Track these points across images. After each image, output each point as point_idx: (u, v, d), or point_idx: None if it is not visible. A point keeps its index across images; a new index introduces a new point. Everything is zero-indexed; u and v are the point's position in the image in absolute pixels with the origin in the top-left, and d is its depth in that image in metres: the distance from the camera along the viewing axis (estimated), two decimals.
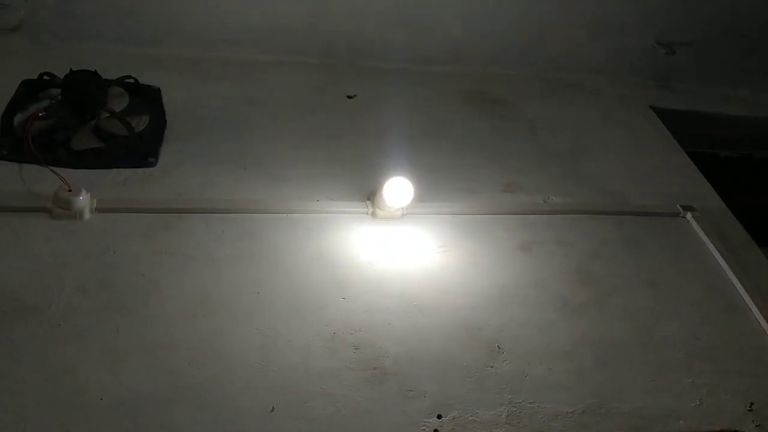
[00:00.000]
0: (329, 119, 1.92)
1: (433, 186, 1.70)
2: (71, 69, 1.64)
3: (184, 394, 1.14)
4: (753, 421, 1.29)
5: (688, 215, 1.77)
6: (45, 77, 1.70)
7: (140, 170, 1.59)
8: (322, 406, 1.17)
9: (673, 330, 1.45)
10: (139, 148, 1.61)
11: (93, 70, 1.65)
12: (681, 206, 1.79)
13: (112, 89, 1.70)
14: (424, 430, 1.17)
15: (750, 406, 1.31)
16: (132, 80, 1.76)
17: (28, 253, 1.34)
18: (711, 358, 1.40)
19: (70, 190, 1.41)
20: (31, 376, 1.13)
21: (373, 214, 1.58)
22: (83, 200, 1.42)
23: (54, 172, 1.44)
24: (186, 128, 1.75)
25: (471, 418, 1.20)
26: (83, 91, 1.61)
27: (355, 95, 2.04)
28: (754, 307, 1.52)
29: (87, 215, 1.43)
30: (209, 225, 1.48)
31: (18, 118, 1.60)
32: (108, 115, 1.63)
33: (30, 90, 1.69)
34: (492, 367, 1.29)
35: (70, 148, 1.56)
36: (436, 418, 1.19)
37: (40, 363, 1.15)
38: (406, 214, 1.59)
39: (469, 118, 2.05)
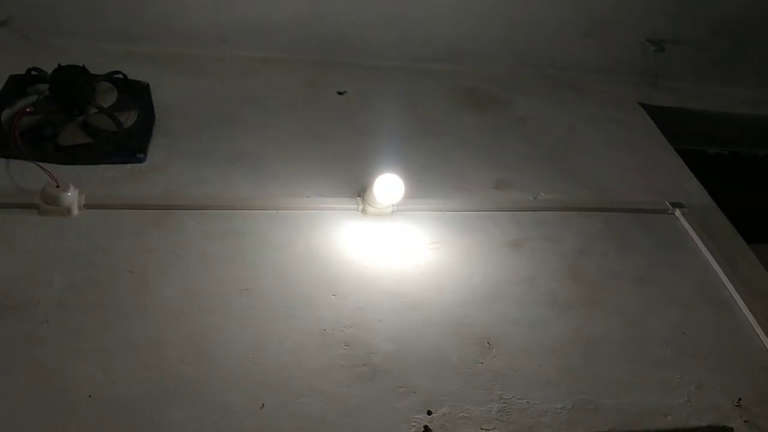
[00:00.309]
0: (320, 116, 1.91)
1: (424, 183, 1.70)
2: (59, 64, 1.63)
3: (173, 391, 1.14)
4: (741, 416, 1.30)
5: (677, 212, 1.78)
6: (33, 72, 1.68)
7: (129, 166, 1.58)
8: (313, 402, 1.17)
9: (661, 326, 1.45)
10: (128, 144, 1.60)
11: (81, 65, 1.64)
12: (670, 203, 1.80)
13: (100, 84, 1.69)
14: (414, 426, 1.17)
15: (738, 402, 1.32)
16: (120, 76, 1.75)
17: (15, 250, 1.33)
18: (699, 354, 1.41)
19: (58, 186, 1.40)
20: (20, 374, 1.12)
21: (364, 211, 1.57)
22: (71, 196, 1.41)
23: (42, 168, 1.42)
24: (175, 124, 1.74)
25: (461, 414, 1.20)
26: (71, 86, 1.60)
27: (345, 91, 2.03)
28: (742, 303, 1.53)
29: (75, 211, 1.42)
30: (198, 222, 1.47)
31: (5, 114, 1.59)
32: (96, 110, 1.62)
33: (17, 85, 1.68)
34: (482, 363, 1.30)
35: (57, 143, 1.55)
36: (426, 414, 1.19)
37: (29, 360, 1.14)
38: (396, 211, 1.58)
39: (460, 115, 2.05)
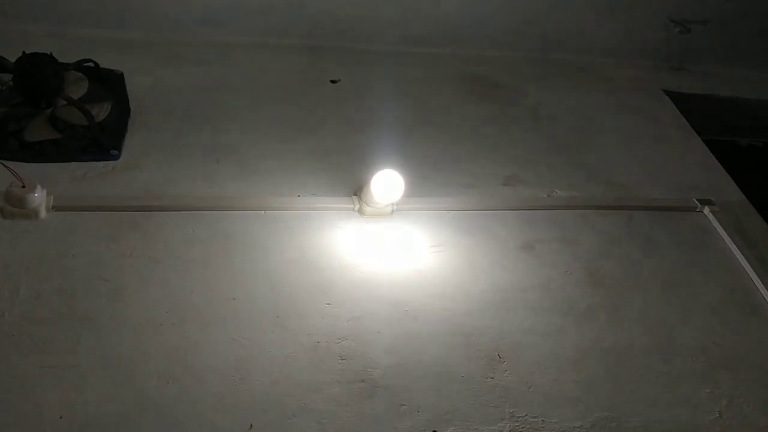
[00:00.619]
0: (311, 106, 1.92)
1: (426, 179, 1.71)
2: (24, 52, 1.63)
3: (152, 411, 1.14)
4: None
5: (706, 209, 1.78)
6: None
7: (101, 164, 1.58)
8: (306, 423, 1.17)
9: (689, 336, 1.46)
10: (101, 139, 1.60)
11: (48, 53, 1.64)
12: (698, 200, 1.80)
13: (69, 74, 1.69)
14: None
15: None
16: (92, 64, 1.75)
17: None
18: (731, 366, 1.41)
19: (23, 186, 1.40)
20: None
21: (360, 211, 1.58)
22: (38, 197, 1.41)
23: (5, 167, 1.43)
24: (152, 117, 1.74)
25: None
26: (37, 76, 1.60)
27: (339, 80, 2.04)
28: None
29: (43, 214, 1.42)
30: (179, 224, 1.47)
31: None
32: (65, 102, 1.62)
33: None
34: (492, 378, 1.30)
35: (23, 139, 1.55)
36: None
37: None
38: (396, 211, 1.59)
39: (466, 105, 2.05)
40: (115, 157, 1.60)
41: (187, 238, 1.45)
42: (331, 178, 1.66)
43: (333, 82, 2.03)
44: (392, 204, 1.58)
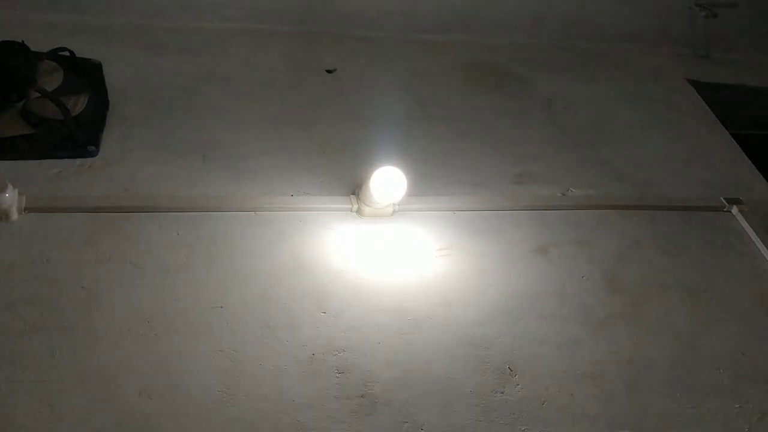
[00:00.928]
0: (306, 98, 1.92)
1: (430, 177, 1.71)
2: None
3: (132, 429, 1.14)
4: None
5: (734, 209, 1.78)
6: None
7: (78, 161, 1.58)
8: None
9: (716, 346, 1.46)
10: (77, 134, 1.60)
11: (20, 41, 1.64)
12: (725, 199, 1.80)
13: (43, 64, 1.69)
14: None
15: None
16: (67, 53, 1.75)
17: None
18: (761, 379, 1.41)
19: None
20: None
21: (359, 211, 1.58)
22: (9, 198, 1.41)
23: None
24: (133, 110, 1.74)
25: None
26: (8, 66, 1.60)
27: (335, 69, 2.04)
28: None
29: (14, 215, 1.42)
30: (162, 226, 1.47)
31: None
32: (38, 95, 1.62)
33: None
34: (502, 392, 1.30)
35: None
36: None
37: None
38: (397, 211, 1.59)
39: (473, 96, 2.05)
40: (93, 154, 1.60)
41: (171, 242, 1.45)
42: (326, 176, 1.66)
43: (329, 71, 2.03)
44: (393, 204, 1.58)
